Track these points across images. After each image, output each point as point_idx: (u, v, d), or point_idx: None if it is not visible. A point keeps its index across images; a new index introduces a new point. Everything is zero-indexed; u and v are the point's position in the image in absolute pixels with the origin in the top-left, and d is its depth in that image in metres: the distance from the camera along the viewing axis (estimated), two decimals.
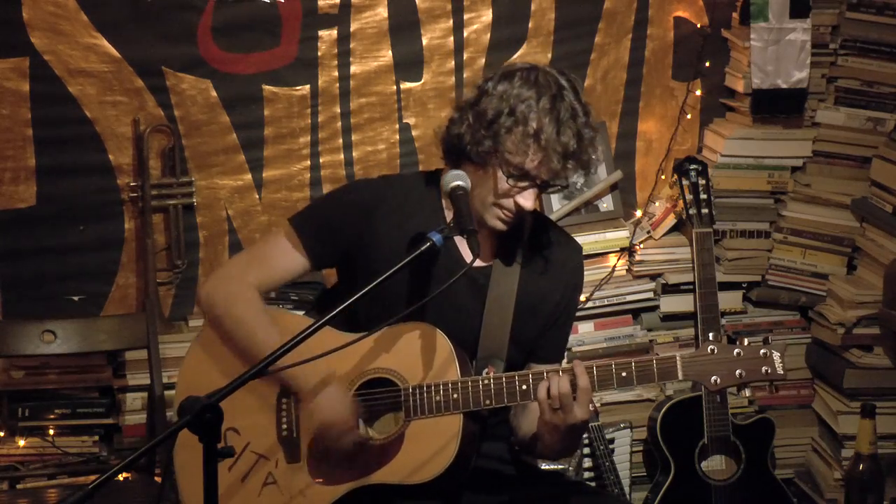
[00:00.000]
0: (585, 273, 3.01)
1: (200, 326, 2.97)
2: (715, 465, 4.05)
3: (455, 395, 2.70)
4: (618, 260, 4.25)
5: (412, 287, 2.79)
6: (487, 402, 2.70)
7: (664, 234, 4.31)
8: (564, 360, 2.93)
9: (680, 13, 4.29)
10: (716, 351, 2.67)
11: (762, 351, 2.67)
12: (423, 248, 2.60)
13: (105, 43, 3.88)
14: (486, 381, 2.70)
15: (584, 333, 4.21)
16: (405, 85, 4.13)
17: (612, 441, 4.16)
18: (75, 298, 4.00)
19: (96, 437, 3.97)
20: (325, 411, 2.73)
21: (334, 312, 2.47)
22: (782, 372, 2.66)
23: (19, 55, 3.84)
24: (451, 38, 4.13)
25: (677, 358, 2.67)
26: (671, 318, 4.31)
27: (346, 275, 2.92)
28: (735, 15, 4.28)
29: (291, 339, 2.39)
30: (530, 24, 4.17)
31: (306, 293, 3.92)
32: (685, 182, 4.12)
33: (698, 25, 4.29)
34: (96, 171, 3.96)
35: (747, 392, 4.27)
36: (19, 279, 3.96)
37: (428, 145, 4.08)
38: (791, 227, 4.32)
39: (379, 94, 4.11)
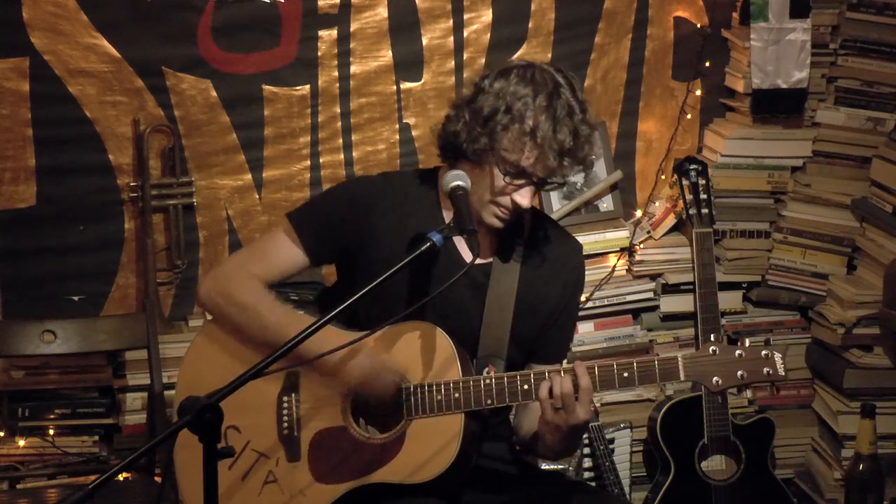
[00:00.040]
0: (586, 273, 3.01)
1: (200, 326, 2.97)
2: (715, 465, 4.05)
3: (456, 395, 2.70)
4: (618, 260, 4.25)
5: (412, 287, 2.79)
6: (489, 401, 2.71)
7: (664, 234, 4.31)
8: (565, 361, 2.92)
9: (680, 13, 4.29)
10: (717, 352, 2.67)
11: (763, 352, 2.67)
12: (423, 248, 2.60)
13: (105, 43, 3.88)
14: (487, 381, 2.70)
15: (584, 333, 4.21)
16: (405, 85, 4.13)
17: (612, 441, 4.16)
18: (75, 298, 4.00)
19: (96, 437, 3.97)
20: (358, 364, 2.71)
21: (335, 311, 2.47)
22: (783, 373, 2.67)
23: (19, 55, 3.84)
24: (451, 38, 4.13)
25: (679, 359, 2.67)
26: (671, 318, 4.31)
27: (345, 272, 2.92)
28: (735, 15, 4.28)
29: (292, 339, 2.39)
30: (530, 24, 4.17)
31: (306, 293, 3.91)
32: (685, 182, 4.12)
33: (698, 25, 4.29)
34: (96, 171, 3.96)
35: (748, 393, 4.28)
36: (19, 279, 3.96)
37: (428, 145, 4.08)
38: (791, 227, 4.32)
39: (379, 94, 4.11)
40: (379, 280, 2.55)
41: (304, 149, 4.09)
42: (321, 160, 4.11)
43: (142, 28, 3.89)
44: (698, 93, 4.35)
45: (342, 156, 4.12)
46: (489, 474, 2.89)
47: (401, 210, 2.83)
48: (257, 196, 4.09)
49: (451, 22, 4.12)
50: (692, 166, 4.13)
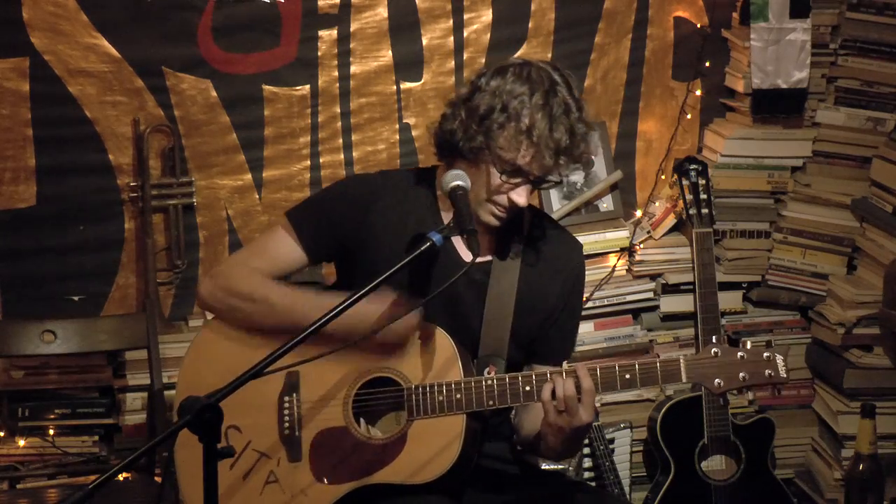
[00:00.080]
0: (586, 272, 3.00)
1: (200, 326, 2.97)
2: (715, 465, 4.05)
3: (458, 396, 2.70)
4: (618, 260, 4.25)
5: (412, 287, 2.78)
6: (490, 402, 2.70)
7: (664, 234, 4.31)
8: (566, 363, 2.91)
9: (680, 13, 4.29)
10: (719, 354, 2.67)
11: (765, 354, 2.66)
12: (423, 247, 2.60)
13: (105, 43, 3.88)
14: (489, 382, 2.70)
15: (584, 333, 4.21)
16: (405, 85, 4.13)
17: (612, 441, 4.16)
18: (75, 298, 4.00)
19: (96, 437, 3.97)
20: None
21: (334, 311, 2.47)
22: (785, 375, 2.66)
23: (19, 55, 3.84)
24: (451, 38, 4.13)
25: (681, 360, 2.67)
26: (671, 318, 4.31)
27: (345, 271, 2.92)
28: (735, 15, 4.28)
29: (293, 339, 2.39)
30: (530, 24, 4.17)
31: None
32: (685, 182, 4.12)
33: (698, 25, 4.30)
34: (96, 171, 3.96)
35: (749, 394, 4.28)
36: (19, 279, 3.96)
37: (428, 145, 4.00)
38: (791, 227, 4.32)
39: (379, 94, 4.11)
40: (379, 280, 2.54)
41: (304, 149, 4.09)
42: (321, 160, 4.11)
43: (142, 28, 3.89)
44: (698, 93, 4.35)
45: (342, 156, 4.12)
46: (490, 474, 2.88)
47: (399, 208, 2.83)
48: (257, 196, 4.09)
49: (451, 22, 4.12)
50: (692, 166, 4.13)
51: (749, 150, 4.29)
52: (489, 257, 2.85)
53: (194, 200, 4.02)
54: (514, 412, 2.94)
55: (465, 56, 4.14)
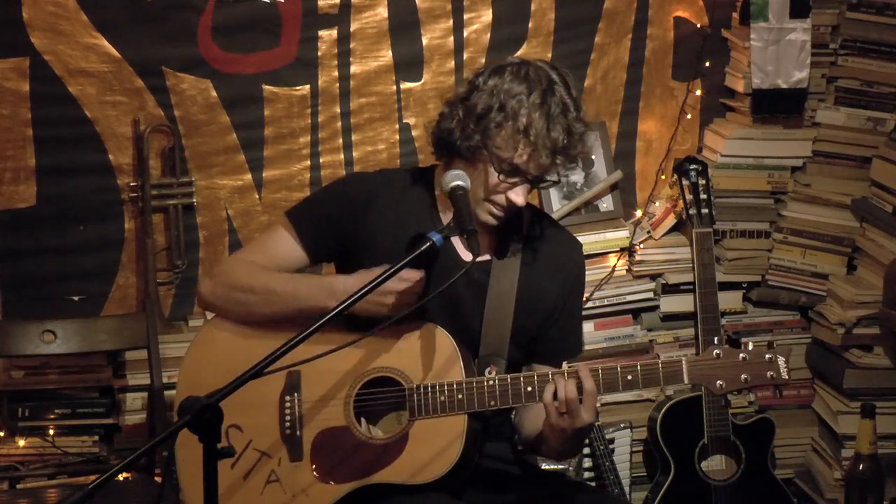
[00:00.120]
0: (586, 271, 3.00)
1: (200, 326, 2.97)
2: (715, 465, 4.05)
3: (460, 396, 2.70)
4: (618, 260, 4.25)
5: None
6: (492, 402, 2.70)
7: (664, 234, 4.31)
8: (566, 364, 2.92)
9: (680, 13, 4.29)
10: (721, 355, 2.67)
11: (767, 355, 2.66)
12: (423, 248, 2.60)
13: (105, 43, 3.88)
14: (490, 382, 2.70)
15: (585, 333, 4.20)
16: (405, 85, 4.13)
17: (612, 441, 4.16)
18: (75, 298, 4.00)
19: (96, 437, 3.97)
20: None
21: (334, 311, 2.47)
22: (787, 377, 2.66)
23: (19, 55, 3.83)
24: (451, 38, 4.13)
25: (683, 362, 2.67)
26: (671, 318, 4.31)
27: (344, 270, 2.91)
28: (735, 15, 4.28)
29: (293, 338, 2.39)
30: (530, 24, 4.17)
31: None
32: (685, 182, 4.12)
33: (698, 25, 4.30)
34: (96, 171, 3.96)
35: (751, 395, 4.28)
36: (19, 279, 3.96)
37: (428, 145, 4.06)
38: (791, 227, 4.32)
39: (379, 94, 4.11)
40: (378, 280, 2.55)
41: (304, 149, 4.09)
42: (321, 160, 4.11)
43: (142, 28, 3.89)
44: (698, 93, 4.35)
45: (342, 156, 4.12)
46: (490, 474, 2.88)
47: (398, 207, 2.83)
48: (257, 196, 4.09)
49: (451, 22, 4.12)
50: (692, 166, 4.13)
51: (749, 150, 4.29)
52: (488, 257, 2.85)
53: (194, 200, 4.02)
54: (514, 412, 2.94)
55: (465, 56, 4.14)
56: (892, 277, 3.87)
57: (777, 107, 4.23)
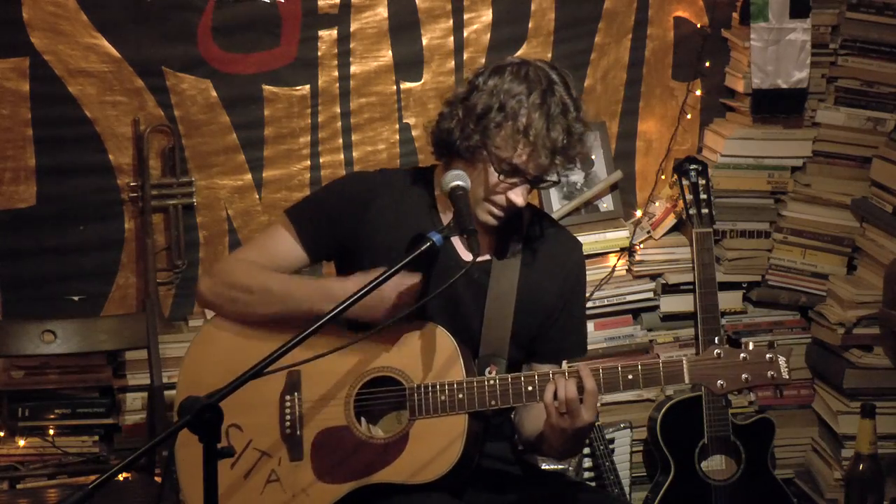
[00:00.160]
0: (586, 271, 3.00)
1: (200, 326, 2.97)
2: (715, 465, 4.05)
3: (460, 396, 2.70)
4: (618, 260, 4.25)
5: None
6: (493, 402, 2.70)
7: (664, 234, 4.31)
8: (565, 363, 2.91)
9: (680, 13, 4.29)
10: (722, 355, 2.67)
11: (768, 355, 2.66)
12: (423, 247, 2.60)
13: (105, 43, 3.88)
14: (491, 382, 2.70)
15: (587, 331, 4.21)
16: (405, 85, 4.13)
17: (612, 441, 4.16)
18: (75, 298, 4.00)
19: (96, 437, 3.97)
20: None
21: (335, 311, 2.47)
22: (787, 377, 2.66)
23: (19, 55, 3.84)
24: (451, 38, 4.13)
25: (684, 361, 2.67)
26: (671, 318, 4.31)
27: (344, 270, 2.91)
28: (735, 15, 4.28)
29: (293, 338, 2.39)
30: (530, 24, 4.17)
31: None
32: (685, 182, 4.12)
33: (698, 25, 4.30)
34: (96, 171, 3.96)
35: (751, 395, 4.27)
36: (19, 279, 3.96)
37: (428, 145, 4.06)
38: (791, 227, 4.32)
39: (379, 94, 4.11)
40: (378, 280, 2.54)
41: (304, 149, 4.09)
42: (321, 160, 4.11)
43: (142, 28, 3.89)
44: (698, 93, 4.35)
45: (342, 156, 4.12)
46: (490, 474, 2.88)
47: (398, 207, 2.83)
48: (257, 196, 4.09)
49: (451, 22, 4.12)
50: (692, 166, 4.13)
51: (749, 150, 4.29)
52: (488, 257, 2.85)
53: (194, 200, 4.02)
54: (514, 412, 2.94)
55: (465, 56, 4.14)
56: (892, 277, 3.87)
57: (777, 107, 4.23)
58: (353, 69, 4.07)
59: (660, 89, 4.33)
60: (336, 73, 4.06)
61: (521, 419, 2.89)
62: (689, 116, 4.34)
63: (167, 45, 3.92)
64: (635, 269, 4.27)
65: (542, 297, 2.86)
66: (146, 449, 2.23)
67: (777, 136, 4.30)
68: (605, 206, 4.30)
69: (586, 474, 4.14)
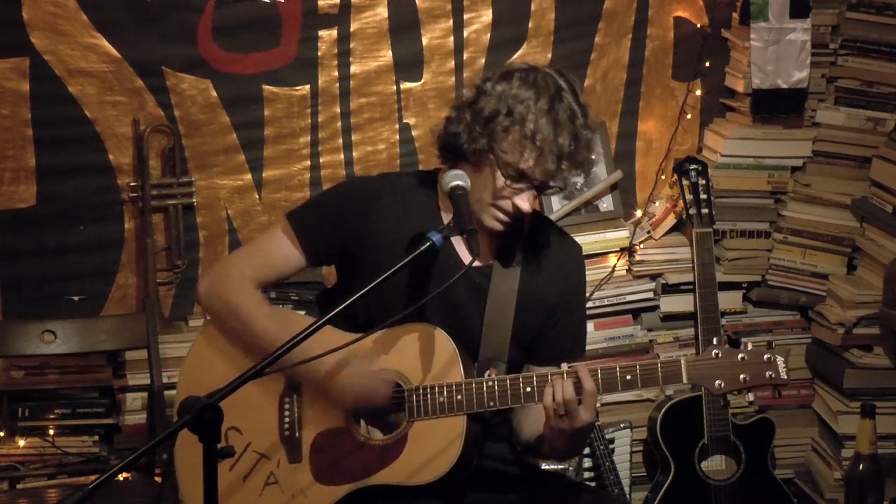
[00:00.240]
0: (586, 274, 3.00)
1: (201, 326, 2.97)
2: (715, 465, 4.05)
3: (459, 397, 2.70)
4: (618, 260, 4.25)
5: (411, 288, 2.78)
6: (491, 403, 2.70)
7: (664, 234, 4.31)
8: (565, 364, 2.91)
9: (680, 13, 4.29)
10: (720, 355, 2.67)
11: (766, 356, 2.66)
12: (423, 247, 2.60)
13: (105, 43, 3.88)
14: (489, 383, 2.70)
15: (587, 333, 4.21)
16: (405, 85, 4.13)
17: (612, 441, 4.16)
18: (75, 298, 4.00)
19: (96, 437, 3.97)
20: (348, 385, 2.72)
21: (334, 312, 2.47)
22: (786, 377, 2.66)
23: (19, 55, 3.84)
24: (451, 38, 4.13)
25: (682, 362, 2.67)
26: (671, 318, 4.31)
27: (345, 273, 2.92)
28: (735, 15, 4.28)
29: (292, 339, 2.39)
30: (530, 24, 4.17)
31: (306, 293, 3.92)
32: (685, 182, 4.12)
33: (698, 25, 4.29)
34: (96, 171, 3.96)
35: (750, 397, 4.27)
36: (19, 279, 3.96)
37: (428, 145, 4.05)
38: (791, 227, 4.32)
39: (379, 94, 4.11)
40: (378, 280, 2.54)
41: (304, 149, 4.09)
42: (321, 160, 4.10)
43: (142, 28, 3.89)
44: (698, 93, 4.34)
45: (342, 156, 4.12)
46: (490, 474, 2.88)
47: (400, 211, 2.83)
48: (257, 196, 4.09)
49: (451, 22, 4.12)
50: (692, 166, 4.13)
51: (749, 150, 4.29)
52: (490, 261, 2.84)
53: (194, 200, 4.02)
54: (512, 414, 2.93)
55: (465, 56, 4.14)
56: (892, 277, 3.87)
57: (777, 107, 4.23)
58: (353, 69, 4.07)
59: (660, 89, 4.33)
60: (336, 73, 4.06)
61: (520, 422, 2.89)
62: (689, 116, 4.34)
63: (167, 45, 3.93)
64: (635, 269, 4.27)
65: (542, 300, 2.86)
66: (146, 449, 2.23)
67: (777, 136, 4.29)
68: (605, 206, 4.30)
69: (586, 474, 4.14)
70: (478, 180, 2.72)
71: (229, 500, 2.76)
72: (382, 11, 4.05)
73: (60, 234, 3.97)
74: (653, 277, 4.29)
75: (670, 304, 4.29)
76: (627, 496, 4.16)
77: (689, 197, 4.11)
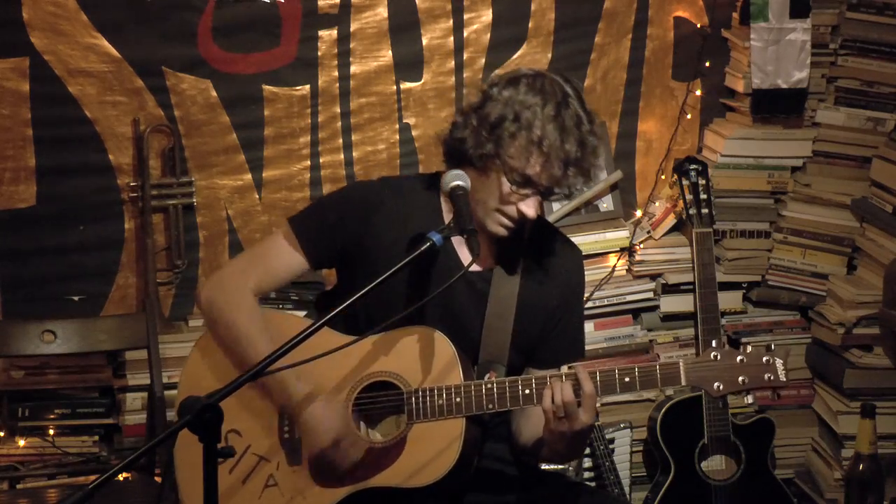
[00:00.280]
0: (586, 273, 3.00)
1: (201, 327, 2.97)
2: (715, 465, 4.05)
3: (458, 399, 2.70)
4: (618, 260, 4.25)
5: (411, 289, 2.78)
6: (490, 406, 2.70)
7: (664, 234, 4.31)
8: (565, 366, 2.91)
9: (680, 13, 4.29)
10: (719, 357, 2.66)
11: (765, 358, 2.66)
12: (423, 247, 2.59)
13: (105, 43, 3.88)
14: (489, 385, 2.70)
15: (585, 333, 4.20)
16: (405, 85, 4.13)
17: (612, 441, 4.16)
18: (75, 298, 4.00)
19: (96, 437, 3.97)
20: (320, 435, 2.72)
21: (332, 314, 2.46)
22: (785, 379, 2.66)
23: (19, 55, 3.84)
24: (451, 38, 4.13)
25: (680, 364, 2.67)
26: (671, 318, 4.31)
27: (346, 276, 2.91)
28: (735, 15, 4.28)
29: (288, 342, 2.39)
30: (530, 24, 4.17)
31: (306, 293, 3.92)
32: (685, 182, 4.12)
33: (698, 25, 4.29)
34: (96, 171, 3.96)
35: (749, 399, 4.27)
36: (19, 279, 3.96)
37: (428, 145, 4.09)
38: (791, 227, 4.32)
39: (379, 94, 4.11)
40: (378, 281, 2.54)
41: (304, 149, 4.09)
42: (321, 160, 4.11)
43: (142, 28, 3.89)
44: (698, 93, 4.35)
45: (342, 156, 4.12)
46: (489, 475, 2.88)
47: (401, 215, 2.82)
48: (257, 196, 4.09)
49: (451, 22, 4.12)
50: (692, 166, 4.13)
51: (749, 150, 4.29)
52: (491, 266, 2.84)
53: (194, 200, 4.02)
54: (511, 417, 2.92)
55: (465, 56, 4.14)
56: (892, 277, 3.87)
57: (777, 107, 4.23)
58: (353, 69, 4.07)
59: (660, 89, 4.33)
60: (336, 73, 4.06)
61: (519, 426, 2.88)
62: (689, 116, 4.34)
63: (167, 45, 3.93)
64: (635, 269, 4.27)
65: (542, 303, 2.86)
66: (146, 449, 2.23)
67: (777, 136, 4.29)
68: (605, 206, 4.30)
69: (586, 474, 4.14)
70: (483, 186, 2.71)
71: (229, 502, 2.76)
72: (382, 11, 4.05)
73: (60, 234, 3.97)
74: (653, 277, 4.29)
75: (670, 304, 4.29)
76: (627, 496, 4.17)
77: (689, 197, 4.11)
